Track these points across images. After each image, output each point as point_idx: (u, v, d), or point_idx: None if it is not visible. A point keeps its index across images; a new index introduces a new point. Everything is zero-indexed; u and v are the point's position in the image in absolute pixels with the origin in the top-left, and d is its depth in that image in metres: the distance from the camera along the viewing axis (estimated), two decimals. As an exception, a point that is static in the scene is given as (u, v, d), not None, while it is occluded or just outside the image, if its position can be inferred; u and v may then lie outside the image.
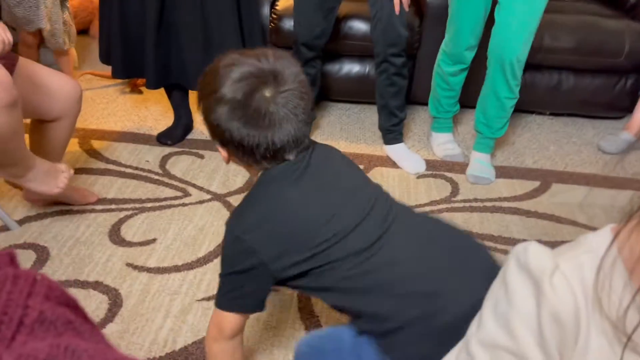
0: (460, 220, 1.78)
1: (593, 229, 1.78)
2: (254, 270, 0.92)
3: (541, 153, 2.25)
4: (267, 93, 0.89)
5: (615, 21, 2.37)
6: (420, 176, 2.03)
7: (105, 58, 2.03)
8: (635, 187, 2.02)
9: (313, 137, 2.27)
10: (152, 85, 1.98)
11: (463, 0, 1.88)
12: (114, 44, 1.94)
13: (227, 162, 0.99)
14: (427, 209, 1.84)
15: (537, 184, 2.01)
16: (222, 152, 0.96)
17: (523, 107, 2.53)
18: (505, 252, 1.64)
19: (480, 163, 2.05)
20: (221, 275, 0.97)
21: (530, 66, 2.39)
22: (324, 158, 0.99)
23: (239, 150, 0.92)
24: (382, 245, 0.92)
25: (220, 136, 0.92)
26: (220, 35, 1.90)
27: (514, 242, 1.69)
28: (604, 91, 2.41)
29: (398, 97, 2.02)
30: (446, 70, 2.06)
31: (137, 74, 2.02)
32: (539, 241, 1.68)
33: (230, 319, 0.98)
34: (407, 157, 2.09)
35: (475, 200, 1.90)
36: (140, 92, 2.59)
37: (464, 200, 1.89)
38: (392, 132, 2.10)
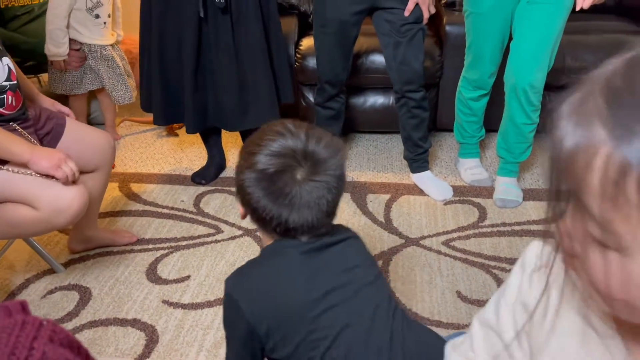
0: (488, 245, 1.78)
1: (627, 248, 1.75)
2: (248, 335, 0.91)
3: (572, 173, 2.22)
4: (298, 176, 0.90)
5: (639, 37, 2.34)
6: (447, 202, 2.05)
7: (146, 105, 2.16)
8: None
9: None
10: (192, 129, 2.07)
11: (481, 28, 1.92)
12: (154, 92, 2.06)
13: (243, 218, 0.99)
14: (455, 235, 1.85)
15: (567, 205, 1.99)
16: (241, 209, 0.98)
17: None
18: (535, 276, 1.63)
19: (506, 186, 2.05)
20: (226, 339, 0.98)
21: (555, 87, 2.39)
22: (340, 246, 0.97)
23: (254, 215, 0.93)
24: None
25: (242, 195, 0.94)
26: (253, 76, 1.99)
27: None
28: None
29: (420, 129, 2.06)
30: (467, 96, 2.09)
31: (177, 119, 2.12)
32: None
33: None
34: (434, 184, 2.11)
35: (504, 224, 1.89)
36: (177, 135, 2.73)
37: (492, 225, 1.89)
38: (418, 161, 2.13)
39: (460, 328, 1.45)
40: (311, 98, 2.55)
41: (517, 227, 1.87)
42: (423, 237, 1.84)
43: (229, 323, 0.95)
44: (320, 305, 0.90)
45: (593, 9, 2.74)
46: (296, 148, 0.91)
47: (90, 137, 1.59)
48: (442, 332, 1.43)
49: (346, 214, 2.00)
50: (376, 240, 1.84)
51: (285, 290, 0.91)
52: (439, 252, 1.76)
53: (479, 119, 2.15)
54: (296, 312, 0.90)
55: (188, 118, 2.04)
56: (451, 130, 2.61)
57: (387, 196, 2.10)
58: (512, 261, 1.70)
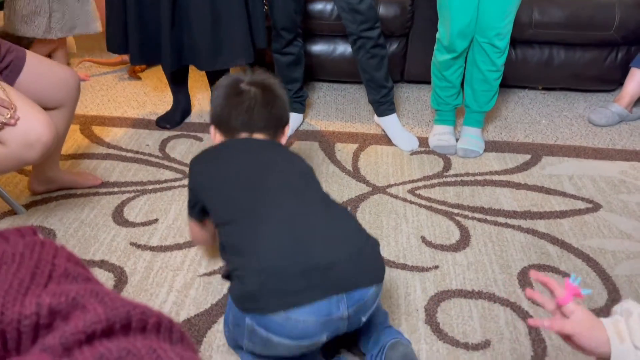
0: (452, 193, 1.84)
1: (581, 199, 1.84)
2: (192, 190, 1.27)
3: (533, 127, 2.29)
4: (252, 90, 1.30)
5: (605, -6, 2.39)
6: (413, 153, 2.08)
7: (115, 47, 2.06)
8: (624, 158, 2.07)
9: (309, 118, 2.32)
10: (168, 67, 2.01)
11: None
12: (130, 31, 1.97)
13: (214, 138, 1.32)
14: (420, 183, 1.89)
15: (527, 157, 2.06)
16: (211, 131, 1.32)
17: (515, 83, 2.57)
18: (495, 224, 1.70)
19: (469, 137, 2.11)
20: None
21: (521, 42, 2.43)
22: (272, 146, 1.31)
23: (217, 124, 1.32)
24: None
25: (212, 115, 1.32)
26: (228, 16, 1.93)
27: (504, 214, 1.74)
28: (595, 64, 2.45)
29: (381, 68, 2.04)
30: (439, 60, 2.03)
31: (154, 59, 2.05)
32: (528, 212, 1.73)
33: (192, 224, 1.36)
34: (401, 134, 2.13)
35: (467, 174, 1.95)
36: (139, 79, 2.64)
37: (456, 175, 1.94)
38: (384, 104, 2.13)
39: (424, 270, 1.51)
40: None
41: (479, 177, 1.93)
42: (390, 186, 1.88)
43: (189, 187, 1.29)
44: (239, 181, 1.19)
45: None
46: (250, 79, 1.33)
47: (53, 72, 1.52)
48: (407, 274, 1.49)
49: (314, 162, 2.01)
50: (344, 187, 1.87)
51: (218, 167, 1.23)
52: (404, 200, 1.80)
53: (454, 85, 2.08)
54: (222, 185, 1.19)
55: (165, 55, 1.98)
56: (419, 82, 2.63)
57: (355, 145, 2.12)
58: (474, 209, 1.76)
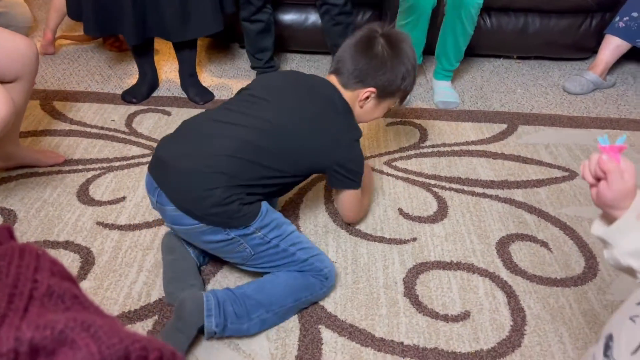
0: (429, 164, 1.81)
1: (557, 167, 1.83)
2: None
3: (508, 96, 2.27)
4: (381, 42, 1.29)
5: (580, -40, 2.35)
6: (389, 124, 2.04)
7: (72, 13, 1.95)
8: (599, 126, 2.06)
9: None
10: (132, 40, 1.91)
11: None
12: None
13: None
14: (397, 155, 1.85)
15: (504, 126, 2.04)
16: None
17: (490, 52, 2.54)
18: (472, 194, 1.67)
19: (444, 89, 2.19)
20: (360, 169, 1.31)
21: (497, 9, 2.39)
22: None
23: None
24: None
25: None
26: None
27: (481, 184, 1.72)
28: (570, 32, 2.42)
29: (346, 35, 2.00)
30: (399, 23, 2.05)
31: (112, 29, 1.94)
32: (505, 181, 1.71)
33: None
34: None
35: (444, 145, 1.92)
36: (120, 51, 2.50)
37: (432, 146, 1.91)
38: None
39: (402, 243, 1.48)
40: (250, 13, 2.41)
41: (456, 148, 1.90)
42: (366, 158, 1.83)
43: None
44: None
45: None
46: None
47: (8, 42, 1.41)
48: (384, 247, 1.46)
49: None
50: (319, 160, 1.82)
51: None
52: (381, 172, 1.77)
53: (417, 44, 2.11)
54: None
55: (127, 27, 1.87)
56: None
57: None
58: (451, 179, 1.74)
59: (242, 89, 1.35)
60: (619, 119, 2.11)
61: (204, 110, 1.34)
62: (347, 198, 1.37)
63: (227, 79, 2.35)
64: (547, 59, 2.56)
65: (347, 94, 1.30)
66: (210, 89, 2.21)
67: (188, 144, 1.19)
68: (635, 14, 2.21)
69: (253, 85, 1.34)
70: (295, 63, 2.48)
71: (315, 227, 1.54)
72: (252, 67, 2.17)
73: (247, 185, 1.16)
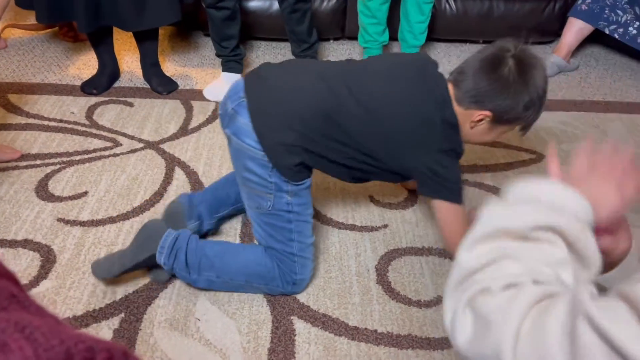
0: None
1: (524, 150, 1.84)
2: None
3: (475, 81, 2.28)
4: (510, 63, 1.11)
5: (542, -57, 2.37)
6: (358, 111, 2.02)
7: (26, 2, 1.85)
8: (564, 108, 2.09)
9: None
10: (84, 28, 1.83)
11: None
12: None
13: None
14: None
15: (472, 111, 2.04)
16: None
17: (457, 37, 2.53)
18: (443, 178, 1.67)
19: None
20: (453, 177, 1.16)
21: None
22: None
23: None
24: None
25: None
26: None
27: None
28: (534, 16, 2.44)
29: (303, 22, 2.03)
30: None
31: (65, 16, 1.86)
32: (475, 166, 1.71)
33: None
34: None
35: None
36: (74, 41, 2.41)
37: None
38: (305, 57, 2.09)
39: (374, 230, 1.47)
40: (213, 0, 2.35)
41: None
42: (335, 145, 1.81)
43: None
44: None
45: None
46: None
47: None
48: (356, 235, 1.45)
49: (256, 123, 1.91)
50: (288, 149, 1.79)
51: None
52: (351, 159, 1.75)
53: (380, 21, 2.12)
54: None
55: (79, 13, 1.79)
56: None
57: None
58: (421, 165, 1.73)
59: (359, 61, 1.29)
60: (582, 102, 2.14)
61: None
62: (442, 212, 1.18)
63: (191, 67, 2.29)
64: (513, 43, 2.57)
65: (459, 110, 1.15)
66: (174, 78, 2.15)
67: (291, 81, 1.18)
68: (597, -3, 2.24)
69: (373, 60, 1.27)
70: (261, 50, 2.44)
71: (286, 216, 1.51)
72: (218, 55, 2.12)
73: (318, 147, 1.15)
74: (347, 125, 1.14)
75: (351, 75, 1.17)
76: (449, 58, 2.45)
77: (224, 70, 2.08)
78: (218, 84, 2.05)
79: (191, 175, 1.66)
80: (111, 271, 1.22)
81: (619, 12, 2.23)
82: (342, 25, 2.49)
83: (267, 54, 2.41)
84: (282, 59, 2.35)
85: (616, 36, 2.25)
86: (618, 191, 0.59)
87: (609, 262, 0.64)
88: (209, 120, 1.92)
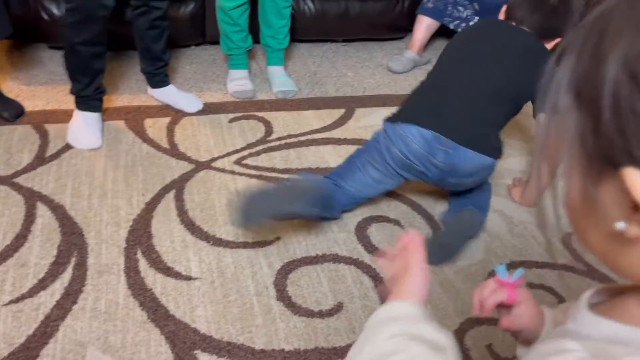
0: (279, 158, 1.79)
1: (396, 146, 1.93)
2: None
3: (341, 80, 2.35)
4: None
5: (388, -54, 2.50)
6: (232, 120, 1.98)
7: None
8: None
9: (107, 94, 2.03)
10: None
11: None
12: None
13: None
14: (245, 152, 1.81)
15: (342, 111, 2.10)
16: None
17: (317, 37, 2.59)
18: (325, 183, 1.70)
19: (280, 78, 2.21)
20: None
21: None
22: None
23: None
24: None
25: None
26: None
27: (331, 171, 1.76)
28: (386, 14, 2.58)
29: (162, 40, 1.90)
30: (226, 6, 2.00)
31: None
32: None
33: None
34: (182, 98, 2.01)
35: (290, 136, 1.92)
36: None
37: (279, 138, 1.90)
38: (158, 75, 1.98)
39: (267, 245, 1.45)
40: (55, 10, 2.14)
41: (302, 138, 1.92)
42: (214, 159, 1.76)
43: None
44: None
45: None
46: None
47: None
48: (249, 253, 1.42)
49: (124, 144, 1.78)
50: (164, 168, 1.69)
51: None
52: (232, 172, 1.71)
53: (243, 28, 2.09)
54: None
55: None
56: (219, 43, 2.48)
57: (167, 119, 1.93)
58: (302, 171, 1.75)
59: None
60: (439, 93, 2.31)
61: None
62: None
63: (38, 86, 2.06)
64: (370, 40, 2.69)
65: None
66: (19, 100, 1.92)
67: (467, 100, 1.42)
68: (441, -5, 2.42)
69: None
70: (117, 62, 2.27)
71: (172, 243, 1.43)
72: (76, 94, 1.78)
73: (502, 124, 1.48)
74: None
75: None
76: (313, 58, 2.50)
77: (84, 109, 1.78)
78: (79, 127, 1.77)
79: (57, 209, 1.50)
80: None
81: (461, 8, 2.44)
82: (203, 30, 2.41)
83: (130, 65, 2.25)
84: (133, 71, 2.21)
85: (460, 30, 2.46)
86: (415, 268, 0.61)
87: (525, 339, 0.69)
88: (70, 145, 1.75)
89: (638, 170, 0.32)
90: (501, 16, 1.54)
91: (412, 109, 1.45)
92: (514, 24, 1.49)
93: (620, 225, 0.34)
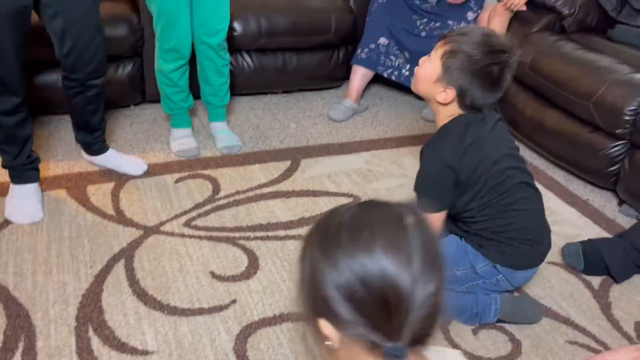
0: (229, 216, 1.80)
1: (342, 195, 1.99)
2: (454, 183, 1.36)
3: (284, 131, 2.39)
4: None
5: (319, 0, 2.61)
6: (177, 180, 1.97)
7: None
8: (365, 148, 2.31)
9: (45, 161, 1.97)
10: None
11: None
12: None
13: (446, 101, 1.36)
14: (194, 213, 1.80)
15: (288, 163, 2.14)
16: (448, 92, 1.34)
17: (257, 90, 2.64)
18: (277, 238, 1.72)
19: (224, 133, 2.23)
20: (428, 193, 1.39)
21: (256, 50, 2.51)
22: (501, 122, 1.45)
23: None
24: (518, 190, 1.39)
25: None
26: None
27: (282, 226, 1.78)
28: (323, 65, 2.67)
29: (98, 112, 1.84)
30: (166, 68, 2.01)
31: None
32: (303, 219, 1.80)
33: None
34: (124, 161, 1.98)
35: (238, 192, 1.93)
36: None
37: (227, 196, 1.90)
38: (97, 143, 1.93)
39: (223, 309, 1.44)
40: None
41: (250, 194, 1.93)
42: (162, 223, 1.74)
43: (437, 178, 1.38)
44: (505, 162, 1.38)
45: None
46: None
47: None
48: (206, 319, 1.41)
49: (67, 214, 1.73)
50: (111, 237, 1.66)
51: (483, 148, 1.36)
52: (182, 235, 1.69)
53: (183, 88, 2.11)
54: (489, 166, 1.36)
55: None
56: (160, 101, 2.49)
57: (111, 184, 1.90)
58: (253, 228, 1.75)
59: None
60: (378, 139, 2.40)
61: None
62: None
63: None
64: (309, 90, 2.77)
65: None
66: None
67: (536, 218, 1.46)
68: (372, 46, 2.54)
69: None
70: (54, 125, 2.22)
71: (125, 316, 1.40)
72: (6, 167, 1.71)
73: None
74: None
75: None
76: (255, 111, 2.54)
77: (20, 182, 1.71)
78: (17, 201, 1.71)
79: (1, 291, 1.43)
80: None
81: (392, 57, 2.57)
82: (142, 89, 2.41)
83: (62, 129, 2.20)
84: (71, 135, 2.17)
85: (393, 78, 2.59)
86: None
87: None
88: (9, 220, 1.68)
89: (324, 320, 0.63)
90: (449, 98, 1.36)
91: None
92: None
93: (327, 343, 0.65)
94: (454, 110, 1.37)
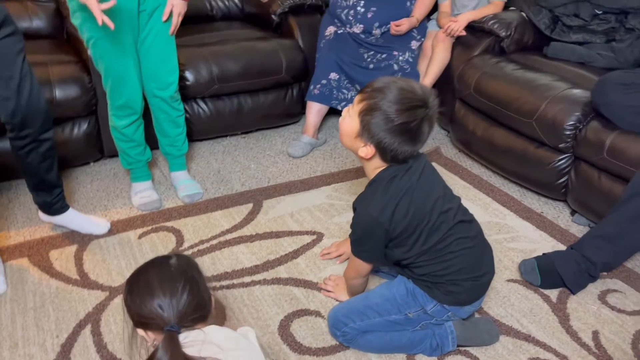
0: (193, 268, 1.81)
1: (306, 233, 2.03)
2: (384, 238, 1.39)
3: (245, 174, 2.43)
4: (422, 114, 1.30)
5: (268, 42, 2.68)
6: (141, 235, 1.98)
7: None
8: (326, 183, 2.36)
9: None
10: None
11: (114, 50, 1.87)
12: None
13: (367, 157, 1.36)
14: (159, 268, 1.81)
15: (250, 206, 2.17)
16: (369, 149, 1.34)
17: (216, 134, 2.68)
18: (243, 285, 1.74)
19: (185, 182, 2.25)
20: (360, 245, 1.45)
21: (210, 97, 2.55)
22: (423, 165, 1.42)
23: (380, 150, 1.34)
24: (454, 231, 1.40)
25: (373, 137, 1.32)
26: None
27: (248, 272, 1.80)
28: (278, 104, 2.72)
29: (53, 167, 1.81)
30: (120, 125, 2.03)
31: None
32: (267, 262, 1.82)
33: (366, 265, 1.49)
34: (86, 221, 1.97)
35: (202, 242, 1.95)
36: None
37: (191, 246, 1.92)
38: (58, 202, 1.90)
39: (193, 364, 1.45)
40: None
41: (214, 241, 1.95)
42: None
43: (367, 233, 1.39)
44: (437, 207, 1.38)
45: (221, 17, 3.04)
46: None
47: None
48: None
49: (30, 283, 1.73)
50: (76, 302, 1.66)
51: (414, 198, 1.36)
52: (148, 293, 1.70)
53: (139, 142, 2.12)
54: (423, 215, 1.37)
55: None
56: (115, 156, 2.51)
57: (74, 247, 1.90)
58: (219, 277, 1.77)
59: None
60: (338, 172, 2.45)
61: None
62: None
63: None
64: (268, 128, 2.82)
65: None
66: None
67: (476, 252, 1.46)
68: (324, 81, 2.61)
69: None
70: (16, 192, 2.21)
71: (95, 383, 1.39)
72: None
73: None
74: None
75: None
76: (215, 155, 2.57)
77: None
78: None
79: (-36, 372, 1.42)
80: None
81: (345, 90, 2.64)
82: (100, 146, 2.42)
83: (21, 195, 2.20)
84: (30, 201, 2.17)
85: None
86: None
87: None
88: (-30, 296, 1.66)
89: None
90: (370, 153, 1.35)
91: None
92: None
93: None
94: (379, 163, 1.37)
